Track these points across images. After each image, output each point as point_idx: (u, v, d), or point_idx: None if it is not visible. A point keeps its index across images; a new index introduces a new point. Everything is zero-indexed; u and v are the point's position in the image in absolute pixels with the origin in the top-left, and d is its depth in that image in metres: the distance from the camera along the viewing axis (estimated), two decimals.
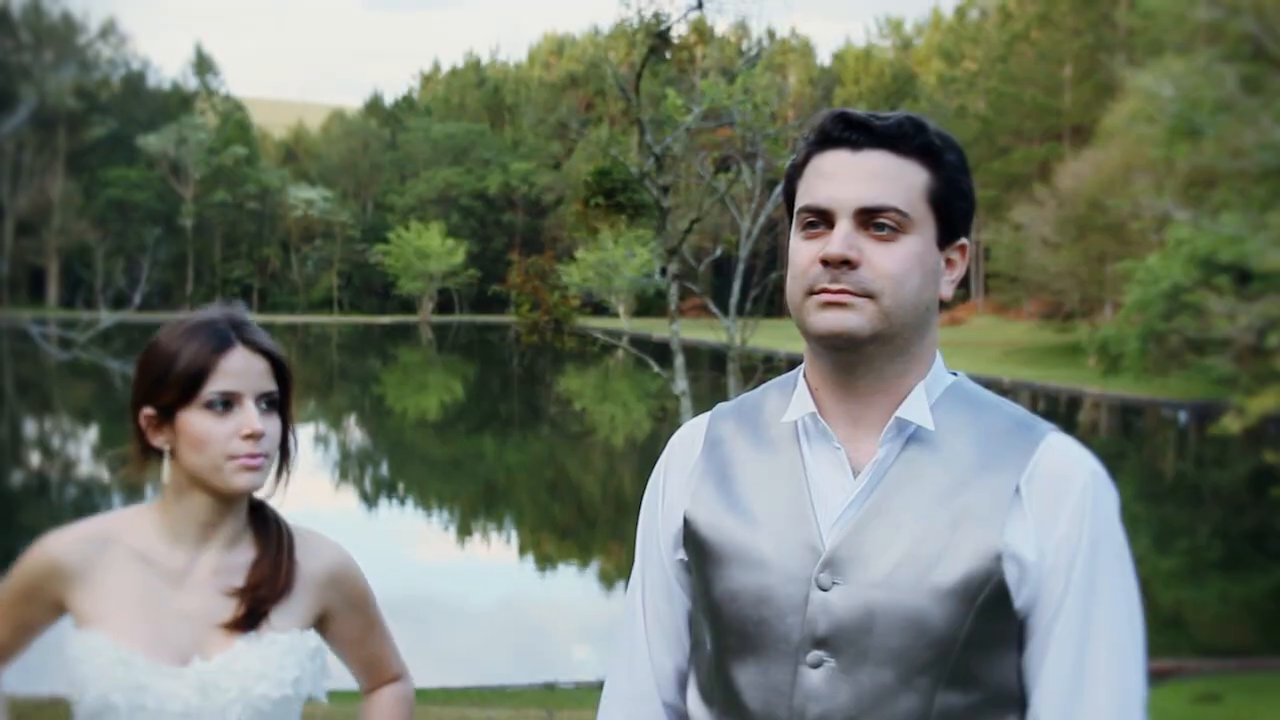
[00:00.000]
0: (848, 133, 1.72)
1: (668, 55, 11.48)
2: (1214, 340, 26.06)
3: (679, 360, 9.99)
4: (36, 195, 76.30)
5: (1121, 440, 37.13)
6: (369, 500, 25.88)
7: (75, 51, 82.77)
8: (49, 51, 76.22)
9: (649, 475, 2.00)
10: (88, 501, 24.85)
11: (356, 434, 37.23)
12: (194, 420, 2.04)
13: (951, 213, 1.73)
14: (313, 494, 25.51)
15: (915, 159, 1.71)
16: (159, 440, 2.10)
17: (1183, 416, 37.47)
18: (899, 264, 1.68)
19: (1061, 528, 1.65)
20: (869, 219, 1.69)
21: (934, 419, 1.71)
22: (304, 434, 36.95)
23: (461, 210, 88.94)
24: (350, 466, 30.69)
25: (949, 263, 1.76)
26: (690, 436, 1.92)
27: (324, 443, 35.30)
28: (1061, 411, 43.62)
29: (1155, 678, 12.83)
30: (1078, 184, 49.15)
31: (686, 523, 1.82)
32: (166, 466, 2.11)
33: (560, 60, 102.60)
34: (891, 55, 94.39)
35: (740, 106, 10.63)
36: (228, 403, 2.05)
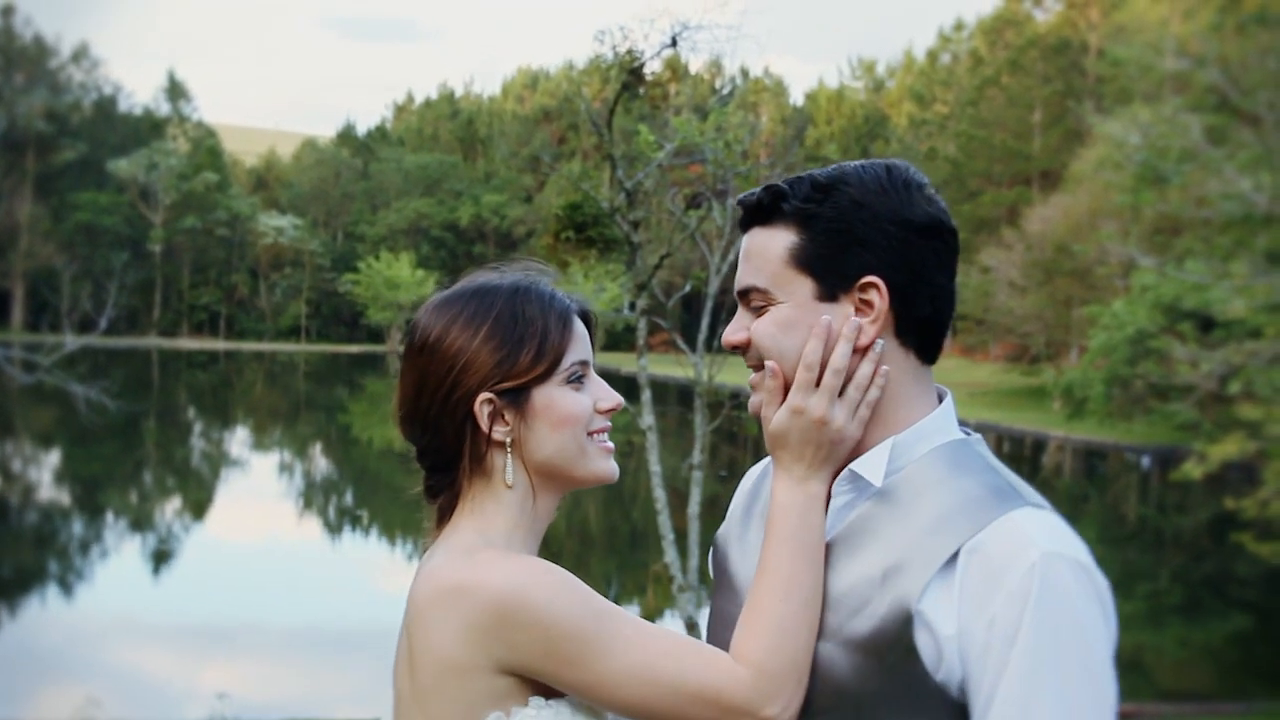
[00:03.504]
0: (741, 216, 1.80)
1: (641, 92, 11.52)
2: (1177, 386, 26.24)
3: (646, 395, 10.00)
4: (4, 217, 75.82)
5: (1085, 484, 37.31)
6: (333, 529, 25.75)
7: (46, 75, 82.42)
8: (19, 74, 75.98)
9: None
10: (49, 526, 24.64)
11: (322, 463, 37.06)
12: (556, 397, 1.78)
13: (828, 265, 1.71)
14: (276, 523, 25.37)
15: (781, 225, 1.73)
16: (501, 431, 1.78)
17: (1145, 461, 37.70)
18: (766, 332, 1.75)
19: (995, 608, 1.55)
20: (747, 299, 1.77)
21: (905, 475, 1.70)
22: (268, 462, 36.81)
23: (432, 241, 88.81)
24: (315, 495, 30.54)
25: (860, 306, 1.71)
26: (749, 473, 2.03)
27: (289, 471, 35.14)
28: (1026, 454, 43.82)
29: None
30: (1045, 228, 49.49)
31: (714, 545, 1.98)
32: (508, 467, 1.79)
33: (534, 94, 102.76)
34: (863, 96, 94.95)
35: (712, 144, 10.69)
36: (581, 376, 1.83)
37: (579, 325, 1.84)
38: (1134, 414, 33.71)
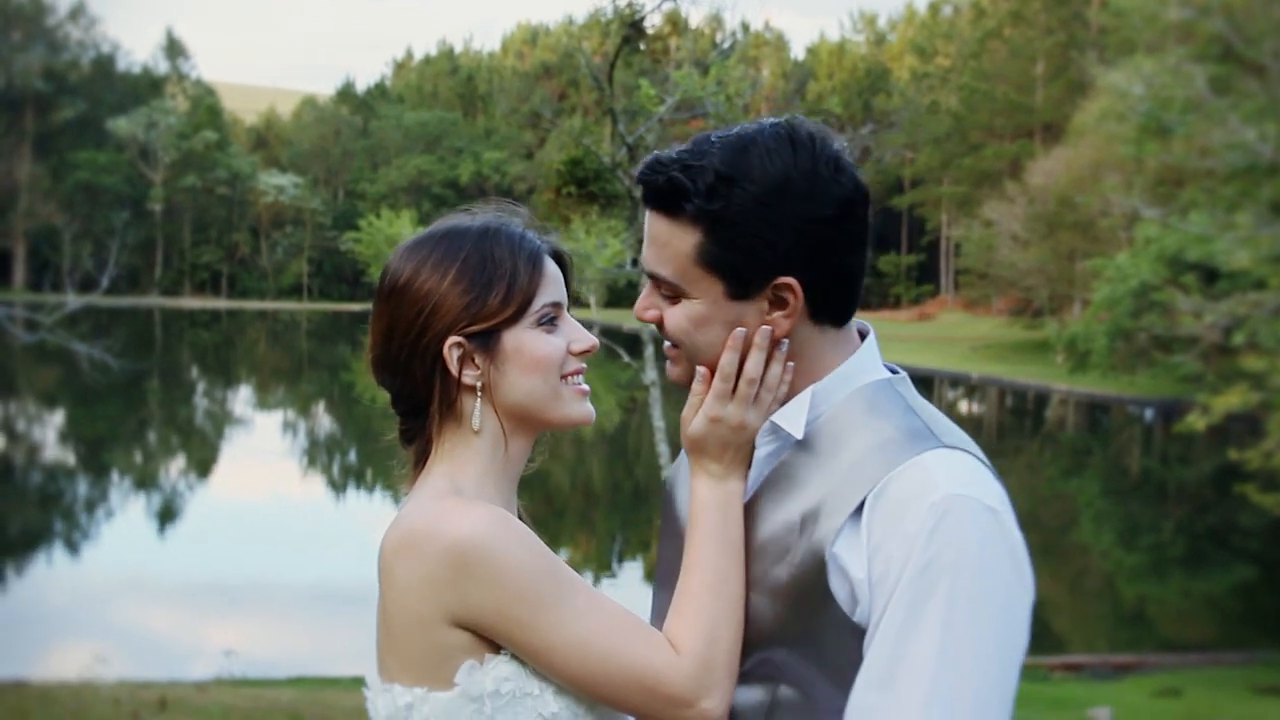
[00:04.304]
0: (644, 192, 1.72)
1: (641, 46, 11.45)
2: (1180, 338, 26.21)
3: (649, 351, 9.99)
4: (3, 177, 75.60)
5: (1088, 437, 37.38)
6: (337, 488, 25.84)
7: (44, 33, 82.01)
8: (16, 32, 75.64)
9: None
10: (54, 485, 24.71)
11: (325, 421, 37.15)
12: (527, 340, 1.76)
13: (736, 269, 1.67)
14: (280, 481, 25.45)
15: (686, 223, 1.67)
16: (471, 375, 1.76)
17: (1149, 414, 37.75)
18: (679, 324, 1.74)
19: (892, 547, 1.56)
20: (656, 283, 1.75)
21: (824, 421, 1.71)
22: (272, 421, 36.89)
23: (433, 198, 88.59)
24: (318, 454, 30.63)
25: (775, 303, 1.69)
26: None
27: (292, 430, 35.22)
28: (1030, 408, 43.88)
29: (1117, 671, 12.94)
30: (1048, 181, 49.38)
31: (664, 486, 2.02)
32: (477, 412, 1.77)
33: (534, 50, 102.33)
34: (865, 50, 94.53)
35: (713, 98, 10.62)
36: (553, 318, 1.79)
37: (550, 266, 1.81)
38: (1137, 367, 33.71)
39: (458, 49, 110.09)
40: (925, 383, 48.03)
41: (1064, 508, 24.93)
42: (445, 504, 1.69)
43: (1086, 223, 45.21)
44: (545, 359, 1.76)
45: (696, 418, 1.75)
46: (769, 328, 1.69)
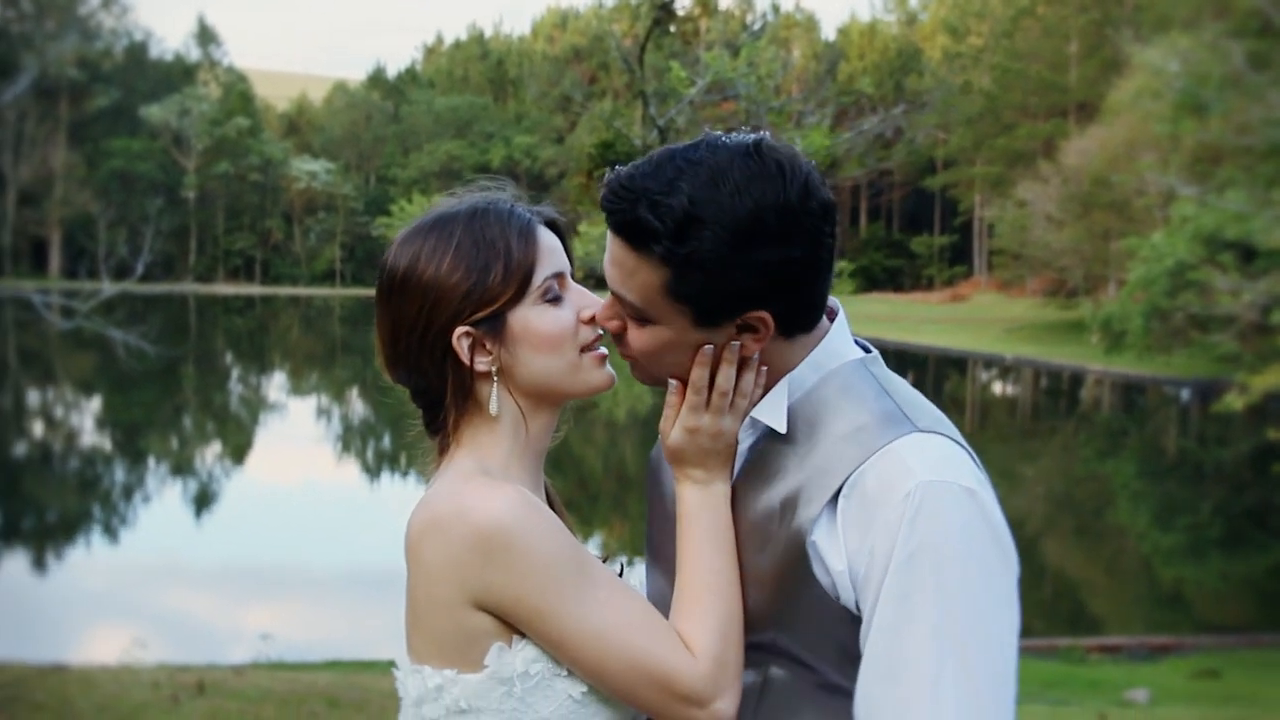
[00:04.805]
0: (609, 219, 1.67)
1: (672, 28, 11.45)
2: (1217, 318, 26.03)
3: None
4: (39, 165, 76.20)
5: (1124, 418, 37.15)
6: (371, 472, 25.92)
7: (77, 21, 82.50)
8: (50, 21, 75.97)
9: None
10: (90, 471, 24.90)
11: (358, 406, 37.24)
12: (534, 317, 1.73)
13: (704, 305, 1.64)
14: (315, 466, 25.56)
15: (653, 260, 1.62)
16: (484, 362, 1.73)
17: (1185, 394, 37.46)
18: (644, 347, 1.72)
19: (873, 539, 1.56)
20: (619, 301, 1.71)
21: (801, 406, 1.70)
22: (306, 406, 37.06)
23: (464, 183, 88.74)
24: (353, 439, 30.74)
25: (745, 329, 1.67)
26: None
27: (326, 415, 35.37)
28: (1064, 389, 43.64)
29: (1155, 653, 12.87)
30: (1083, 160, 49.01)
31: (649, 464, 2.05)
32: (494, 398, 1.74)
33: (564, 33, 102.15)
34: (896, 30, 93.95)
35: (744, 80, 10.59)
36: (557, 291, 1.75)
37: (545, 236, 1.77)
38: (1173, 346, 33.46)
39: (488, 33, 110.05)
40: (959, 364, 47.87)
41: (1100, 489, 24.79)
42: (473, 485, 1.68)
43: (1122, 202, 44.85)
44: (556, 335, 1.73)
45: (674, 430, 1.74)
46: (737, 344, 1.68)
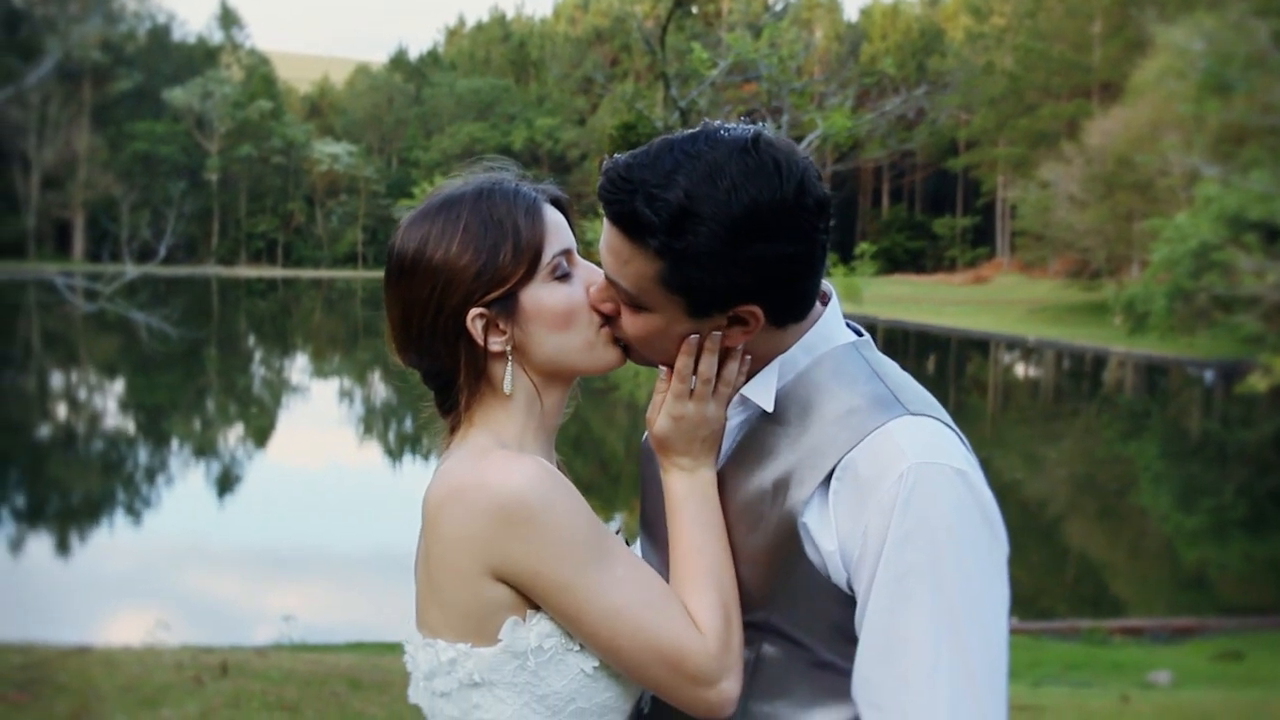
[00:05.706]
0: (605, 209, 1.68)
1: (693, 9, 11.41)
2: (1241, 298, 25.89)
3: None
4: (62, 148, 76.43)
5: (1147, 399, 37.00)
6: (393, 455, 25.99)
7: (100, 4, 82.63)
8: (74, 4, 76.13)
9: None
10: (114, 454, 25.03)
11: (380, 388, 37.33)
12: (545, 295, 1.73)
13: (699, 297, 1.65)
14: (338, 448, 25.65)
15: (642, 248, 1.63)
16: (498, 342, 1.74)
17: (1209, 375, 37.29)
18: (636, 332, 1.74)
19: (865, 522, 1.58)
20: (613, 286, 1.72)
21: (791, 389, 1.72)
22: (328, 389, 37.17)
23: (468, 165, 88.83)
24: (375, 421, 30.82)
25: (736, 321, 1.68)
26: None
27: (349, 398, 35.48)
28: (1087, 370, 43.49)
29: (1177, 635, 12.84)
30: (1106, 141, 48.76)
31: (643, 446, 2.01)
32: (508, 376, 1.75)
33: (585, 15, 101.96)
34: (919, 11, 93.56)
35: (766, 61, 10.57)
36: (566, 268, 1.76)
37: (551, 214, 1.78)
38: (1197, 328, 33.31)
39: (509, 15, 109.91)
40: (981, 346, 47.74)
41: (1123, 471, 24.71)
42: (493, 456, 1.68)
43: (1145, 183, 44.62)
44: (569, 311, 1.74)
45: (660, 418, 1.76)
46: (719, 332, 1.69)
